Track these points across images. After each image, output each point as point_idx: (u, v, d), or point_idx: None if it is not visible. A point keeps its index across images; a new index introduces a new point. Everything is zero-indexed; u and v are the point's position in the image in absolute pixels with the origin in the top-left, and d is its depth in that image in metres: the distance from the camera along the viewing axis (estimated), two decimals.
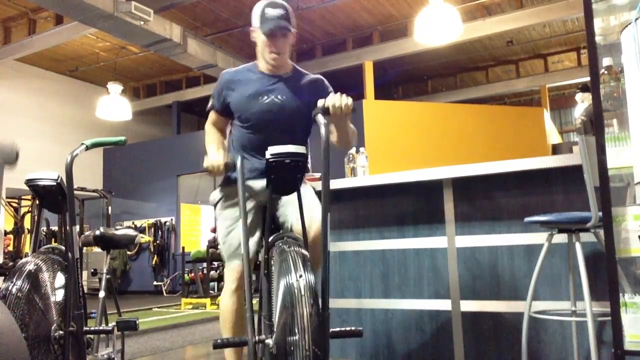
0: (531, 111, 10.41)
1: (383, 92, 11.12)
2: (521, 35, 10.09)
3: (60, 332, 2.10)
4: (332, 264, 3.25)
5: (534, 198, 2.71)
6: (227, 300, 2.18)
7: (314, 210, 2.08)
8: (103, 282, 2.75)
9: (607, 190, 1.81)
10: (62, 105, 11.18)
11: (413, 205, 3.02)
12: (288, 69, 2.28)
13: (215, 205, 2.38)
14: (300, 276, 1.63)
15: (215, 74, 9.46)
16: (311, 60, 9.93)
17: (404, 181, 2.89)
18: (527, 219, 2.32)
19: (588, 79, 1.94)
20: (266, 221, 1.95)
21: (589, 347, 2.12)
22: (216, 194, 2.38)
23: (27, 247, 8.39)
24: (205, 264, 8.19)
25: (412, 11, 8.36)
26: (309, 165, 2.43)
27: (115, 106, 9.67)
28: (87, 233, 3.25)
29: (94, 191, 9.29)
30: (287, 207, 2.16)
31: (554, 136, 10.21)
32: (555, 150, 7.70)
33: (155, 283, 10.94)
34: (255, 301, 1.87)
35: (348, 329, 1.76)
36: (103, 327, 2.48)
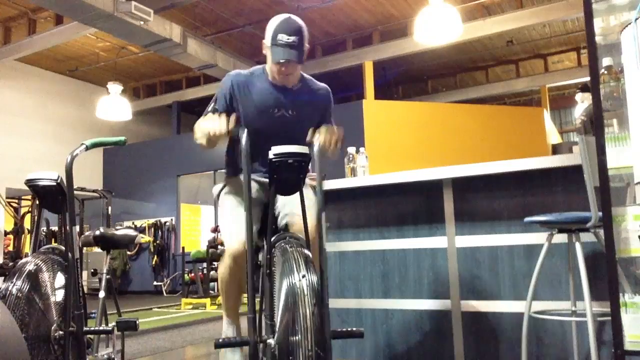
0: (531, 111, 10.41)
1: (383, 92, 11.12)
2: (521, 35, 10.09)
3: (60, 332, 2.10)
4: (332, 264, 3.25)
5: (534, 198, 2.71)
6: (223, 269, 2.15)
7: (312, 210, 2.07)
8: (103, 282, 2.75)
9: (607, 190, 1.81)
10: (62, 105, 11.19)
11: (413, 205, 3.03)
12: (297, 79, 2.26)
13: (218, 195, 2.35)
14: (303, 276, 1.63)
15: (215, 74, 9.46)
16: (311, 60, 9.92)
17: (404, 181, 2.89)
18: (527, 219, 2.32)
19: (588, 79, 1.94)
20: (268, 221, 1.95)
21: (589, 347, 2.12)
22: (219, 186, 2.37)
23: (27, 247, 8.39)
24: (205, 264, 8.19)
25: (412, 11, 8.36)
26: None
27: (115, 106, 9.67)
28: (87, 233, 3.25)
29: (94, 191, 9.28)
30: (284, 207, 2.17)
31: (554, 136, 10.21)
32: (555, 150, 7.67)
33: (155, 283, 10.94)
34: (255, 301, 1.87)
35: (349, 329, 1.76)
36: (103, 327, 2.48)
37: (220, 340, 1.76)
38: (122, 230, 3.00)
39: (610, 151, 1.83)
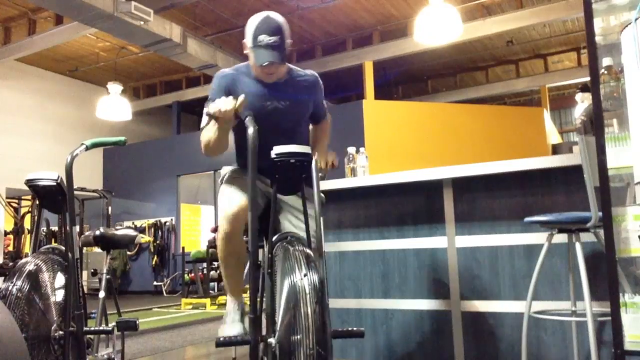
0: (531, 111, 10.41)
1: (383, 92, 11.12)
2: (521, 35, 10.10)
3: (60, 332, 2.10)
4: (332, 264, 3.25)
5: (534, 198, 2.71)
6: (221, 236, 2.13)
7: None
8: (103, 282, 2.75)
9: (607, 190, 1.81)
10: (62, 105, 11.19)
11: (413, 205, 3.03)
12: (282, 74, 2.24)
13: (222, 180, 2.34)
14: (305, 275, 1.63)
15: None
16: (311, 60, 9.93)
17: (404, 181, 2.89)
18: (527, 219, 2.32)
19: (588, 79, 1.94)
20: (270, 220, 1.95)
21: (589, 347, 2.12)
22: (228, 169, 2.36)
23: (27, 247, 8.39)
24: (205, 264, 8.20)
25: (412, 11, 8.37)
26: None
27: (115, 106, 9.67)
28: (87, 233, 3.25)
29: (94, 191, 9.28)
30: (281, 213, 2.18)
31: (554, 136, 10.21)
32: (555, 150, 7.67)
33: (155, 283, 10.94)
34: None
35: (350, 329, 1.76)
36: (103, 327, 2.48)
37: (221, 339, 1.76)
38: (122, 230, 3.00)
39: (610, 151, 1.83)
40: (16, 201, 10.07)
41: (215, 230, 8.36)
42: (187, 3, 7.87)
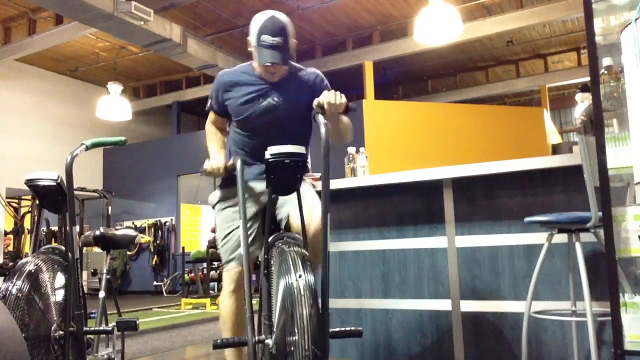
0: (531, 111, 10.41)
1: (383, 92, 11.12)
2: (521, 35, 10.10)
3: (60, 332, 2.10)
4: (332, 264, 3.25)
5: (534, 198, 2.71)
6: (226, 301, 2.19)
7: (313, 209, 2.07)
8: (103, 282, 2.75)
9: (607, 190, 1.81)
10: (62, 105, 11.19)
11: (413, 205, 3.02)
12: (284, 72, 2.24)
13: (214, 206, 2.39)
14: (300, 276, 1.63)
15: (215, 74, 9.44)
16: (311, 60, 9.93)
17: (404, 181, 2.89)
18: (527, 219, 2.32)
19: (588, 79, 1.94)
20: (266, 221, 1.95)
21: (589, 347, 2.12)
22: (215, 195, 2.39)
23: (27, 247, 8.39)
24: (205, 264, 8.20)
25: (412, 11, 8.37)
26: (309, 165, 2.44)
27: (115, 106, 9.68)
28: (87, 233, 3.25)
29: (94, 191, 9.29)
30: (285, 206, 2.17)
31: (554, 136, 10.21)
32: (555, 150, 7.70)
33: (155, 283, 10.94)
34: (255, 301, 1.87)
35: (348, 329, 1.76)
36: (103, 327, 2.48)
37: (219, 341, 1.76)
38: (122, 230, 3.00)
39: (610, 151, 1.83)
40: (16, 201, 10.08)
41: (215, 230, 8.37)
42: (187, 3, 7.87)
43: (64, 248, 2.24)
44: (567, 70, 11.33)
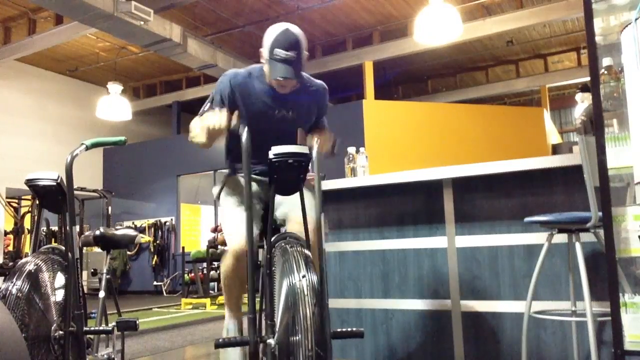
0: (531, 111, 10.41)
1: (383, 92, 11.12)
2: (521, 35, 10.09)
3: (60, 332, 2.10)
4: (332, 264, 3.25)
5: (534, 198, 2.71)
6: (227, 265, 2.14)
7: (309, 211, 2.08)
8: (103, 282, 2.75)
9: (607, 190, 1.81)
10: (62, 105, 11.19)
11: (413, 205, 3.03)
12: (295, 84, 2.22)
13: (218, 197, 2.36)
14: (304, 276, 1.63)
15: (215, 74, 9.46)
16: (311, 60, 9.92)
17: (404, 181, 2.89)
18: (527, 219, 2.32)
19: (588, 79, 1.94)
20: (268, 221, 1.95)
21: (589, 347, 2.12)
22: (218, 186, 2.38)
23: (27, 247, 8.39)
24: (205, 264, 8.19)
25: (412, 11, 8.37)
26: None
27: (115, 106, 9.67)
28: (87, 233, 3.25)
29: (94, 191, 9.28)
30: (280, 207, 2.18)
31: (554, 136, 10.21)
32: (555, 150, 7.69)
33: (155, 283, 10.94)
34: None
35: (350, 329, 1.76)
36: (103, 327, 2.47)
37: (221, 340, 1.76)
38: (122, 230, 3.00)
39: (610, 151, 1.83)
40: (16, 201, 10.07)
41: (215, 230, 8.37)
42: (187, 3, 7.87)
43: (64, 248, 2.24)
44: (567, 70, 11.33)
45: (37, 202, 2.28)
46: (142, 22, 7.33)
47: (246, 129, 1.86)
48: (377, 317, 3.09)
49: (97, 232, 2.83)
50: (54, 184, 2.16)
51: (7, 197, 8.75)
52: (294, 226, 2.08)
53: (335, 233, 3.24)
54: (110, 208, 9.31)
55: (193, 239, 11.58)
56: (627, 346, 1.75)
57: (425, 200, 2.99)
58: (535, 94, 13.00)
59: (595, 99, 1.86)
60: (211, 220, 10.97)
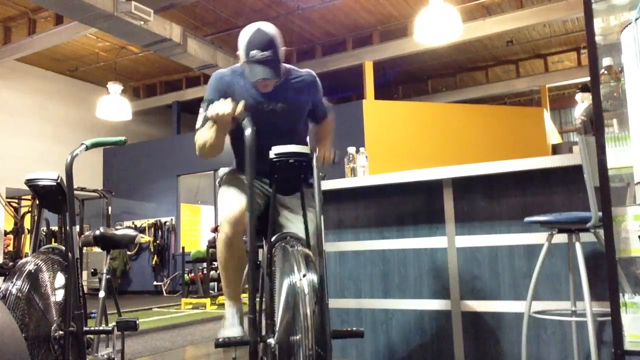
0: (531, 111, 10.41)
1: (383, 92, 11.12)
2: (521, 35, 10.09)
3: (60, 332, 2.10)
4: (332, 264, 3.25)
5: (534, 198, 2.71)
6: (221, 239, 2.11)
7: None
8: (103, 282, 2.75)
9: (607, 190, 1.81)
10: (62, 105, 11.18)
11: (413, 205, 3.03)
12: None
13: (220, 181, 2.35)
14: (304, 275, 1.63)
15: None
16: (311, 60, 9.93)
17: (404, 181, 2.89)
18: (527, 219, 2.32)
19: (588, 79, 1.94)
20: (269, 219, 1.95)
21: (589, 347, 2.12)
22: (225, 170, 2.37)
23: (27, 247, 8.39)
24: (205, 264, 8.19)
25: (412, 11, 8.37)
26: None
27: (115, 106, 9.67)
28: (87, 233, 3.25)
29: (94, 191, 9.29)
30: (285, 217, 2.18)
31: (554, 136, 10.21)
32: (555, 150, 7.70)
33: (155, 283, 10.94)
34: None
35: (350, 329, 1.76)
36: (103, 327, 2.48)
37: (220, 340, 1.76)
38: (122, 230, 3.00)
39: (610, 151, 1.83)
40: (16, 201, 10.07)
41: (215, 230, 8.36)
42: (187, 3, 7.87)
43: (64, 248, 2.24)
44: (567, 70, 11.33)
45: (37, 202, 2.28)
46: (142, 22, 7.33)
47: (250, 118, 1.86)
48: (377, 317, 3.09)
49: (97, 232, 2.83)
50: (54, 184, 2.16)
51: (7, 197, 8.75)
52: (292, 227, 2.07)
53: (335, 233, 3.24)
54: (110, 208, 9.32)
55: (193, 239, 11.58)
56: (627, 346, 1.75)
57: (425, 200, 2.99)
58: (535, 94, 13.00)
59: (595, 99, 1.86)
60: (211, 220, 10.96)
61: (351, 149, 3.30)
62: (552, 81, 11.59)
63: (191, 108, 12.32)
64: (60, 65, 10.79)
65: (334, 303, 3.18)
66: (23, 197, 9.99)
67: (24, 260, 2.11)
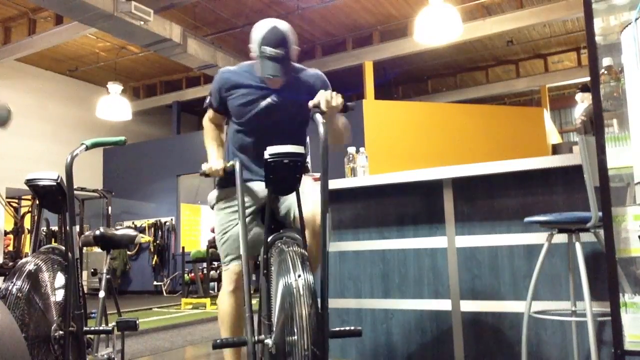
0: (531, 111, 10.41)
1: (383, 92, 11.12)
2: (521, 35, 10.09)
3: (60, 332, 2.10)
4: (332, 264, 3.24)
5: (534, 198, 2.71)
6: (224, 300, 2.20)
7: (317, 202, 2.06)
8: (103, 282, 2.75)
9: (607, 190, 1.81)
10: (62, 105, 11.18)
11: (413, 205, 3.02)
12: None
13: (213, 206, 2.39)
14: (299, 276, 1.64)
15: (215, 74, 9.47)
16: (311, 60, 9.93)
17: (404, 181, 2.89)
18: (527, 219, 2.32)
19: (588, 79, 1.94)
20: (265, 221, 1.95)
21: (589, 347, 2.12)
22: (214, 195, 2.39)
23: (27, 247, 8.39)
24: (205, 264, 8.19)
25: (412, 11, 8.36)
26: (309, 165, 2.44)
27: (115, 106, 9.67)
28: (87, 233, 3.25)
29: (94, 191, 9.29)
30: (286, 202, 2.17)
31: (554, 136, 10.20)
32: (555, 150, 7.70)
33: (155, 283, 10.94)
34: (254, 301, 1.87)
35: (347, 328, 1.76)
36: (103, 327, 2.48)
37: (218, 341, 1.76)
38: (122, 230, 3.00)
39: (610, 151, 1.83)
40: (16, 201, 10.07)
41: (215, 230, 8.35)
42: (187, 3, 7.87)
43: (64, 248, 2.24)
44: (567, 70, 11.33)
45: (37, 202, 2.28)
46: (142, 22, 7.33)
47: (238, 161, 2.01)
48: (377, 317, 3.09)
49: (97, 232, 2.83)
50: (54, 184, 2.16)
51: (7, 197, 8.75)
52: (307, 214, 2.04)
53: (335, 233, 3.24)
54: (110, 208, 9.32)
55: (193, 239, 11.58)
56: (627, 346, 1.75)
57: (425, 200, 2.98)
58: (535, 94, 13.00)
59: (595, 99, 1.86)
60: (211, 220, 10.94)
61: (351, 149, 3.29)
62: (552, 81, 11.60)
63: (191, 108, 12.34)
64: (60, 65, 10.79)
65: (334, 303, 3.18)
66: (23, 197, 9.99)
67: (24, 260, 2.11)
